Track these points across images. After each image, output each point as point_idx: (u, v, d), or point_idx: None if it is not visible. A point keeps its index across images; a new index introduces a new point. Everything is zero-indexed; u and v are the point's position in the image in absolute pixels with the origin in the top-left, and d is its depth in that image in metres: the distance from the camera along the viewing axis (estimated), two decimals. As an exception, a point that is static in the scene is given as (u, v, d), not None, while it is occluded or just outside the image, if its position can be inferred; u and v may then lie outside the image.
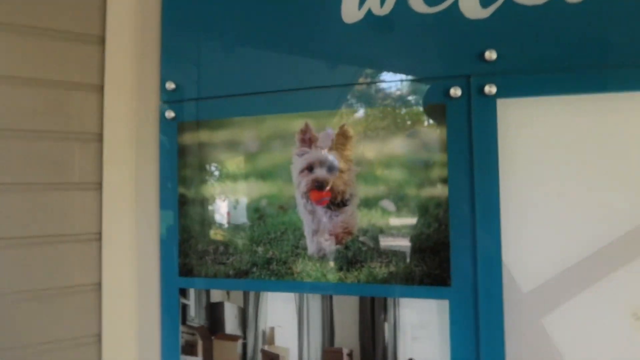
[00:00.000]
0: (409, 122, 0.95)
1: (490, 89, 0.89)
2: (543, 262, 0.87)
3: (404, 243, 0.94)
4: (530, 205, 0.89)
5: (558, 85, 0.88)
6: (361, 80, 0.99)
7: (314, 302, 1.00)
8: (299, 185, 1.00)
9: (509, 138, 0.90)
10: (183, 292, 1.08)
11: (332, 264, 0.98)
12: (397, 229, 0.94)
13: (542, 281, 0.87)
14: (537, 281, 0.88)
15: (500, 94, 0.90)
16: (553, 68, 0.88)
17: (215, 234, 1.06)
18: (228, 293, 1.06)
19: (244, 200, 1.05)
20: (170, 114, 1.10)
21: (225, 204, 1.06)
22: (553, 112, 0.88)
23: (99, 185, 1.12)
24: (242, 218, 1.05)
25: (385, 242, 0.95)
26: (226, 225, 1.06)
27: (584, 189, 0.86)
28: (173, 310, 1.09)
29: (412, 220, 0.94)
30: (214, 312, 1.06)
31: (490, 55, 0.90)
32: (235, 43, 1.06)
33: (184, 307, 1.08)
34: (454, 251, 0.91)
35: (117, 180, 1.12)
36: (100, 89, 1.14)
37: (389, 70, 0.98)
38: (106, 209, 1.11)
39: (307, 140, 1.00)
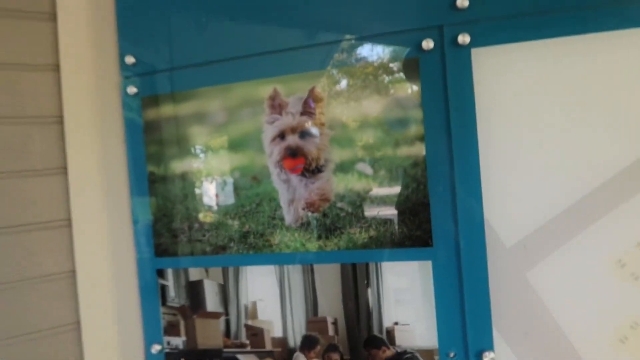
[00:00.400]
0: (381, 80, 0.91)
1: (464, 39, 0.85)
2: (526, 215, 0.85)
3: (383, 206, 0.90)
4: (510, 157, 0.85)
5: (535, 30, 0.83)
6: (328, 39, 0.94)
7: (295, 273, 0.97)
8: (271, 155, 0.96)
9: (485, 89, 0.86)
10: (161, 273, 1.05)
11: (310, 232, 0.94)
12: (375, 191, 0.91)
13: (526, 234, 0.85)
14: (520, 235, 0.85)
15: (475, 43, 0.85)
16: (529, 11, 0.83)
17: (188, 211, 1.02)
18: (207, 270, 1.02)
19: (215, 174, 1.01)
20: (132, 89, 1.04)
21: (197, 179, 1.02)
22: (530, 58, 0.84)
23: (64, 170, 1.07)
24: (216, 192, 1.01)
25: (364, 206, 0.91)
26: (199, 201, 1.01)
27: (566, 137, 0.83)
28: (152, 292, 1.05)
29: (390, 182, 0.90)
30: (194, 290, 1.03)
31: (462, 2, 0.85)
32: (194, 8, 1.00)
33: (163, 288, 1.05)
34: (434, 211, 0.88)
35: (83, 162, 1.07)
36: (56, 68, 1.07)
37: (356, 27, 0.93)
38: (73, 193, 1.07)
39: (277, 106, 0.95)
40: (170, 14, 1.01)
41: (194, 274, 1.03)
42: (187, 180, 1.02)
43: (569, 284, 0.84)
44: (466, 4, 0.85)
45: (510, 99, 0.85)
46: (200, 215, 1.01)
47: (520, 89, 0.85)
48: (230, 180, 1.00)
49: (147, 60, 1.04)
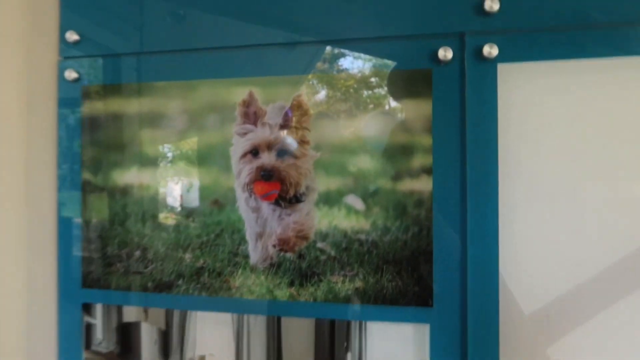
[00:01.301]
0: (384, 93, 0.73)
1: (491, 51, 0.68)
2: (551, 277, 0.68)
3: (374, 251, 0.72)
4: (538, 202, 0.69)
5: (580, 47, 0.67)
6: (323, 37, 0.75)
7: (257, 325, 0.77)
8: (239, 175, 0.76)
9: (512, 115, 0.69)
10: (87, 308, 0.83)
11: (281, 276, 0.75)
12: (366, 233, 0.72)
13: (549, 300, 0.68)
14: (542, 301, 0.68)
15: (503, 57, 0.68)
16: (573, 24, 0.67)
17: (129, 234, 0.81)
18: (146, 311, 0.81)
19: (167, 192, 0.80)
20: (71, 74, 0.83)
21: (143, 196, 0.81)
22: (571, 82, 0.68)
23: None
24: (164, 215, 0.80)
25: (351, 249, 0.73)
26: (144, 224, 0.81)
27: (607, 183, 0.67)
28: (74, 332, 0.83)
29: (385, 223, 0.72)
30: (127, 334, 0.82)
31: (491, 5, 0.68)
32: (158, -17, 0.80)
33: (89, 328, 0.83)
34: (438, 263, 0.70)
35: (2, 162, 0.85)
36: (-23, 40, 0.85)
37: (358, 26, 0.75)
38: (-16, 199, 0.84)
39: (252, 114, 0.76)
40: (126, -13, 0.81)
41: (130, 313, 0.82)
42: (130, 196, 0.81)
43: (601, 370, 0.67)
44: (496, 7, 0.68)
45: (542, 131, 0.69)
46: (144, 241, 0.81)
47: (556, 118, 0.68)
48: (187, 199, 0.80)
49: (95, 39, 0.83)
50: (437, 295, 0.70)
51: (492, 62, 0.69)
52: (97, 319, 0.83)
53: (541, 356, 0.68)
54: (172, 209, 0.80)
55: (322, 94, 0.75)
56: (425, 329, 0.70)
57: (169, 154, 0.80)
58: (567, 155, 0.68)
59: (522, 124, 0.69)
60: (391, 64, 0.73)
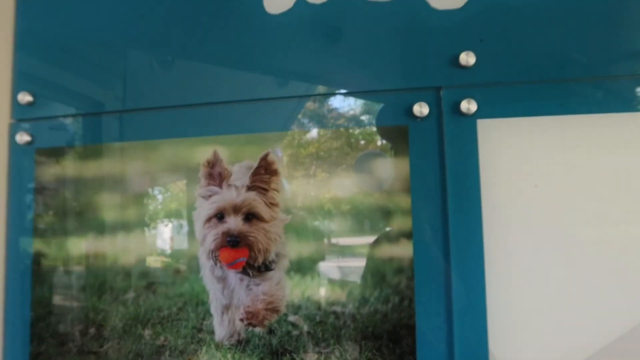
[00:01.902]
0: (357, 151, 0.68)
1: (469, 106, 0.64)
2: (549, 352, 0.61)
3: (351, 325, 0.65)
4: (526, 268, 0.63)
5: (559, 102, 0.63)
6: (292, 92, 0.71)
7: (224, 411, 0.69)
8: (204, 241, 0.70)
9: (495, 172, 0.64)
10: (37, 395, 0.75)
11: (249, 355, 0.67)
12: (342, 305, 0.66)
13: (547, 380, 0.61)
14: (540, 381, 0.61)
15: (483, 112, 0.64)
16: (553, 78, 0.63)
17: (82, 310, 0.74)
18: (101, 397, 0.73)
19: (125, 261, 0.73)
20: (23, 137, 0.77)
21: (100, 266, 0.74)
22: (556, 138, 0.63)
23: None
24: (122, 286, 0.73)
25: (326, 323, 0.66)
26: (99, 297, 0.73)
27: (602, 241, 0.62)
28: (21, 422, 0.74)
29: (362, 293, 0.65)
30: None
31: (467, 59, 0.64)
32: (115, 38, 0.76)
33: (38, 418, 0.74)
34: (421, 337, 0.63)
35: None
36: None
37: (330, 80, 0.71)
38: None
39: (216, 175, 0.71)
40: (83, 44, 0.77)
41: (84, 399, 0.73)
42: (83, 267, 0.74)
43: None
44: (472, 61, 0.65)
45: (529, 189, 0.64)
46: (99, 317, 0.73)
47: (540, 174, 0.64)
48: (144, 271, 0.73)
49: (48, 101, 0.78)
50: (423, 375, 0.63)
51: (471, 118, 0.65)
52: (47, 406, 0.74)
53: None
54: (130, 280, 0.73)
55: (296, 153, 0.70)
56: (411, 414, 0.63)
57: (127, 219, 0.74)
58: (558, 216, 0.63)
59: (505, 181, 0.64)
60: (366, 120, 0.69)
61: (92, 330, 0.73)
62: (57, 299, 0.75)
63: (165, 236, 0.74)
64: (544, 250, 0.62)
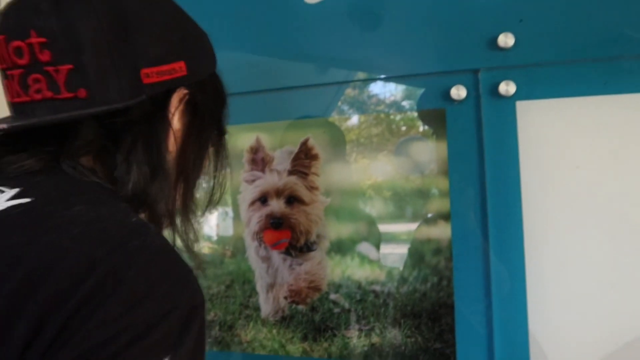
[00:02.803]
0: (396, 136, 0.69)
1: (508, 88, 0.64)
2: (590, 333, 0.61)
3: (390, 304, 0.67)
4: (569, 249, 0.63)
5: (603, 81, 0.62)
6: (331, 79, 0.73)
7: (271, 382, 0.73)
8: (248, 223, 0.74)
9: (535, 155, 0.64)
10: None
11: (293, 330, 0.71)
12: (381, 284, 0.68)
13: (589, 360, 0.61)
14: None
15: (521, 94, 0.64)
16: (595, 56, 0.62)
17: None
18: (158, 366, 0.79)
19: (177, 244, 0.78)
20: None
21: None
22: (598, 118, 0.62)
23: None
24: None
25: (366, 301, 0.68)
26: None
27: (646, 228, 0.61)
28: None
29: (402, 273, 0.67)
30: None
31: (506, 40, 0.64)
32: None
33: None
34: (460, 316, 0.65)
35: None
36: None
37: (367, 66, 0.72)
38: None
39: (259, 161, 0.74)
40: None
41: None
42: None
43: None
44: (511, 42, 0.64)
45: (569, 171, 0.63)
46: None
47: (582, 156, 0.63)
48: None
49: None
50: (461, 353, 0.64)
51: (510, 100, 0.64)
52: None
53: (582, 422, 0.61)
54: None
55: (336, 138, 0.72)
56: (449, 390, 0.65)
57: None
58: (599, 197, 0.62)
59: (545, 164, 0.64)
60: (405, 105, 0.70)
61: (148, 306, 0.79)
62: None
63: (211, 223, 0.79)
64: (585, 232, 0.62)
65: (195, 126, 0.46)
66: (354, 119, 0.71)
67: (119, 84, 0.38)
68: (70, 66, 0.37)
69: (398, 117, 0.70)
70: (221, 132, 0.51)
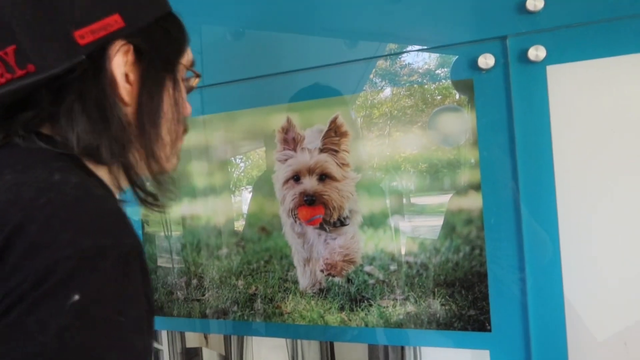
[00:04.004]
0: (424, 109, 0.70)
1: (538, 53, 0.62)
2: (627, 296, 0.61)
3: (424, 274, 0.69)
4: (603, 214, 0.62)
5: (637, 37, 0.60)
6: (360, 55, 0.74)
7: (311, 350, 0.77)
8: (283, 201, 0.77)
9: (567, 121, 0.63)
10: (154, 335, 0.88)
11: (330, 301, 0.74)
12: (414, 255, 0.70)
13: (626, 326, 0.61)
14: (616, 326, 0.61)
15: (552, 58, 0.63)
16: (630, 13, 0.60)
17: (186, 264, 0.85)
18: (206, 337, 0.85)
19: (217, 222, 0.83)
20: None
21: (196, 226, 0.84)
22: (629, 78, 0.60)
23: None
24: (216, 243, 0.83)
25: (400, 272, 0.70)
26: (198, 253, 0.84)
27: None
28: (145, 358, 0.89)
29: (434, 243, 0.69)
30: (192, 359, 0.86)
31: (535, 3, 0.62)
32: (198, 23, 0.83)
33: (157, 353, 0.88)
34: (494, 284, 0.66)
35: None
36: None
37: (392, 39, 0.72)
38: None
39: (290, 140, 0.76)
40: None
41: (192, 339, 0.86)
42: (185, 227, 0.85)
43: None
44: (540, 5, 0.62)
45: (604, 136, 0.62)
46: (200, 270, 0.84)
47: (618, 120, 0.61)
48: (234, 230, 0.81)
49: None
50: (496, 319, 0.66)
51: (540, 65, 0.63)
52: (164, 345, 0.88)
53: (620, 385, 0.61)
54: (222, 238, 0.82)
55: (365, 114, 0.73)
56: (484, 355, 0.66)
57: (214, 184, 0.83)
58: (637, 161, 0.60)
59: (579, 129, 0.63)
60: (433, 75, 0.70)
61: (194, 282, 0.84)
62: (164, 256, 0.87)
63: (248, 198, 0.82)
64: (621, 197, 0.61)
65: (148, 76, 0.45)
66: (386, 92, 0.72)
67: (55, 51, 0.40)
68: (13, 46, 0.39)
69: (427, 93, 0.70)
70: (176, 80, 0.49)
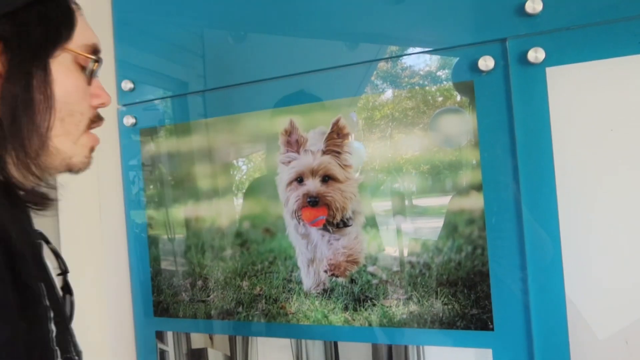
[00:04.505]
0: (424, 112, 0.71)
1: (537, 55, 0.63)
2: (627, 295, 0.62)
3: (427, 274, 0.70)
4: (603, 213, 0.63)
5: (637, 40, 0.60)
6: (360, 58, 0.75)
7: (315, 350, 0.78)
8: (287, 202, 0.78)
9: (567, 122, 0.64)
10: (160, 336, 0.89)
11: (334, 301, 0.75)
12: (417, 255, 0.71)
13: (626, 324, 0.62)
14: (618, 324, 0.62)
15: (551, 60, 0.63)
16: (627, 15, 0.61)
17: (190, 266, 0.86)
18: (211, 337, 0.85)
19: (221, 224, 0.84)
20: (129, 120, 0.90)
21: (201, 228, 0.85)
22: (627, 79, 0.61)
23: (54, 213, 0.93)
24: (221, 245, 0.84)
25: (402, 272, 0.71)
26: (203, 254, 0.85)
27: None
28: (150, 358, 0.90)
29: (436, 244, 0.70)
30: (197, 360, 0.87)
31: (534, 6, 0.63)
32: (199, 28, 0.84)
33: (162, 354, 0.89)
34: (496, 283, 0.66)
35: (78, 205, 0.93)
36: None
37: (394, 42, 0.73)
38: (65, 236, 0.93)
39: (294, 142, 0.77)
40: (172, 36, 0.86)
41: (197, 340, 0.87)
42: (188, 229, 0.86)
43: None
44: (539, 7, 0.63)
45: (602, 136, 0.62)
46: (205, 271, 0.85)
47: (617, 120, 0.62)
48: (238, 231, 0.82)
49: (148, 86, 0.89)
50: (498, 318, 0.66)
51: (540, 67, 0.64)
52: (169, 346, 0.89)
53: (622, 382, 0.62)
54: (227, 239, 0.83)
55: (367, 116, 0.74)
56: (487, 354, 0.67)
57: (220, 186, 0.84)
58: (634, 160, 0.61)
59: (578, 129, 0.63)
60: (432, 78, 0.71)
61: (199, 283, 0.85)
62: (169, 258, 0.88)
63: (252, 199, 0.83)
64: (621, 196, 0.62)
65: (13, 65, 0.42)
66: (388, 94, 0.73)
67: None
68: None
69: (428, 95, 0.71)
70: (46, 71, 0.44)
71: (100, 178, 0.93)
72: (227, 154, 0.83)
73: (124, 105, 0.91)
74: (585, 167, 0.63)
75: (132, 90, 0.89)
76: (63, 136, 0.46)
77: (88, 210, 0.93)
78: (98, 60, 0.49)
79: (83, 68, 0.48)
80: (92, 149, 0.51)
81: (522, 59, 0.65)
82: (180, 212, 0.87)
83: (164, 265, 0.88)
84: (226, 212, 0.83)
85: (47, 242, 0.53)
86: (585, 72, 0.62)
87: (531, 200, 0.65)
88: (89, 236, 0.93)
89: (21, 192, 0.45)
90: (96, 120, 0.50)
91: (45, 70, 0.44)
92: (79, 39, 0.47)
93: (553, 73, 0.64)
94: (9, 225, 0.40)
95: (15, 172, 0.43)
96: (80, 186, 0.92)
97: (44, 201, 0.46)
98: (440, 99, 0.70)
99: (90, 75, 0.49)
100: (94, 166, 0.91)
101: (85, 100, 0.48)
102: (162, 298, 0.88)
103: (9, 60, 0.42)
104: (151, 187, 0.89)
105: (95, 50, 0.49)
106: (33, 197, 0.45)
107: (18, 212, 0.46)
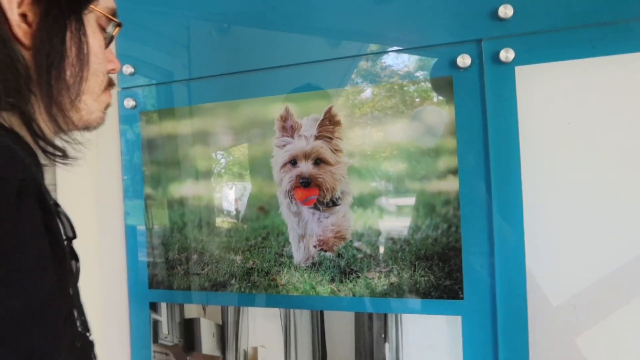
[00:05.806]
0: (408, 102, 0.78)
1: (507, 55, 0.72)
2: (577, 269, 0.71)
3: (406, 249, 0.78)
4: (561, 197, 0.72)
5: (594, 45, 0.70)
6: (349, 53, 0.82)
7: (303, 319, 0.85)
8: (281, 183, 0.84)
9: (531, 115, 0.72)
10: (154, 307, 0.94)
11: (322, 274, 0.82)
12: (398, 232, 0.78)
13: (576, 292, 0.71)
14: (569, 292, 0.71)
15: (520, 59, 0.72)
16: (587, 23, 0.70)
17: (186, 240, 0.91)
18: (204, 308, 0.91)
19: (218, 202, 0.90)
20: (129, 102, 0.94)
21: (198, 206, 0.91)
22: (588, 79, 0.70)
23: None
24: (217, 221, 0.90)
25: (385, 248, 0.79)
26: (199, 230, 0.91)
27: (631, 175, 0.69)
28: (144, 328, 0.95)
29: (416, 222, 0.77)
30: (189, 329, 0.92)
31: (505, 11, 0.72)
32: (199, 16, 0.90)
33: (155, 324, 0.94)
34: (467, 258, 0.75)
35: (75, 180, 0.98)
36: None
37: (382, 40, 0.81)
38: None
39: (289, 128, 0.84)
40: (174, 22, 0.91)
41: (190, 310, 0.92)
42: (187, 206, 0.92)
43: (631, 356, 0.69)
44: (510, 12, 0.72)
45: (562, 128, 0.72)
46: (199, 246, 0.90)
47: (576, 115, 0.71)
48: (233, 209, 0.89)
49: (147, 71, 0.94)
50: (468, 289, 0.75)
51: (510, 65, 0.73)
52: (163, 316, 0.94)
53: (570, 345, 0.71)
54: (223, 216, 0.89)
55: (355, 105, 0.81)
56: (457, 320, 0.75)
57: (218, 168, 0.90)
58: (589, 151, 0.70)
59: (542, 123, 0.72)
60: (414, 72, 0.78)
61: (194, 257, 0.91)
62: (166, 232, 0.93)
63: (248, 180, 0.89)
64: (577, 179, 0.71)
65: (48, 15, 0.41)
66: (368, 91, 0.80)
67: None
68: None
69: (411, 87, 0.78)
70: (81, 22, 0.44)
71: (99, 157, 0.97)
72: (225, 137, 0.89)
73: (124, 88, 0.95)
74: (546, 153, 0.72)
75: (132, 74, 0.94)
76: (88, 94, 0.46)
77: (85, 182, 0.97)
78: (120, 24, 0.49)
79: (103, 30, 0.48)
80: (107, 106, 0.52)
81: (495, 58, 0.73)
82: (176, 190, 0.92)
83: (161, 239, 0.93)
84: (222, 191, 0.89)
85: (57, 205, 0.53)
86: (549, 71, 0.71)
87: (500, 185, 0.73)
88: (84, 209, 0.98)
89: (42, 146, 0.45)
90: (110, 84, 0.52)
91: (81, 23, 0.44)
92: (103, 1, 0.47)
93: (521, 71, 0.72)
94: (42, 182, 0.41)
95: (43, 125, 0.43)
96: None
97: (64, 157, 0.47)
98: (417, 99, 0.78)
99: (110, 40, 0.50)
100: (92, 144, 0.95)
101: (105, 62, 0.49)
102: (157, 271, 0.93)
103: (44, 10, 0.41)
104: (149, 166, 0.94)
105: (115, 15, 0.50)
106: (53, 151, 0.45)
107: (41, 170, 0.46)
